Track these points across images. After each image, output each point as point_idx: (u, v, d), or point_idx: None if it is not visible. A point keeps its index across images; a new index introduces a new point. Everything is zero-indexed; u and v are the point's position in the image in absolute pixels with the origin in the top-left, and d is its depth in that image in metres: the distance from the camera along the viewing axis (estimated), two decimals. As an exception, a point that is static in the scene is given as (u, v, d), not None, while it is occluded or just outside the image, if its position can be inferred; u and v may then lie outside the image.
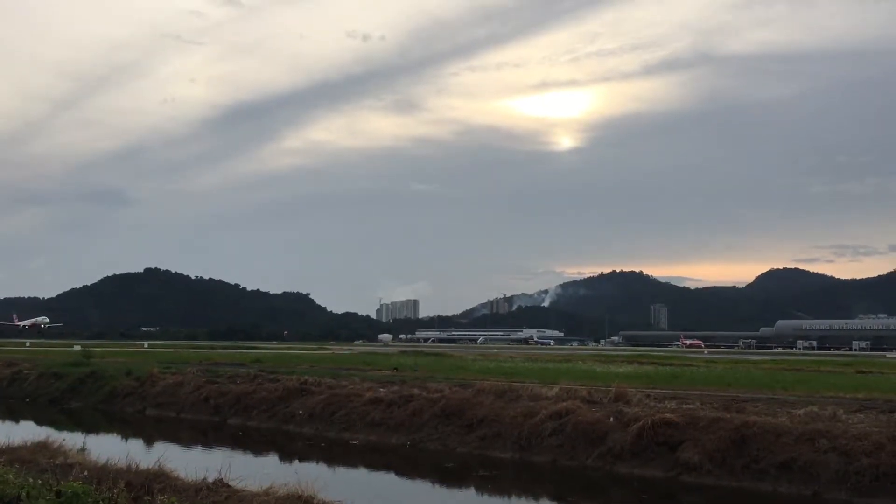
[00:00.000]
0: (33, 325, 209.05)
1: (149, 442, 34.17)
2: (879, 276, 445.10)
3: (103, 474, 16.64)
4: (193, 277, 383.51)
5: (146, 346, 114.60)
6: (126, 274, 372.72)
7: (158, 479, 17.29)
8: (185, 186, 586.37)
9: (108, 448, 23.85)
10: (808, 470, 21.91)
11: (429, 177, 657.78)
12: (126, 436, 36.63)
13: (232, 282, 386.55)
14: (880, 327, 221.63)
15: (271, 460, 30.20)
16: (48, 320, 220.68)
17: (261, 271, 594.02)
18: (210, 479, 17.30)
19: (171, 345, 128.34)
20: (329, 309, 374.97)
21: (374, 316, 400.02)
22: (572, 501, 22.75)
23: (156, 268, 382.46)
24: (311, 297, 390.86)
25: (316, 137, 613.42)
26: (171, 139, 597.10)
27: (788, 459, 22.37)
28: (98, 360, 60.98)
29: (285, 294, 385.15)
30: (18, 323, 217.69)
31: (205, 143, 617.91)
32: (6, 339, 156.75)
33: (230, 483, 17.17)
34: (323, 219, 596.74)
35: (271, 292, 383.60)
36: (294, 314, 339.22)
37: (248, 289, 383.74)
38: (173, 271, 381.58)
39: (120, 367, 53.83)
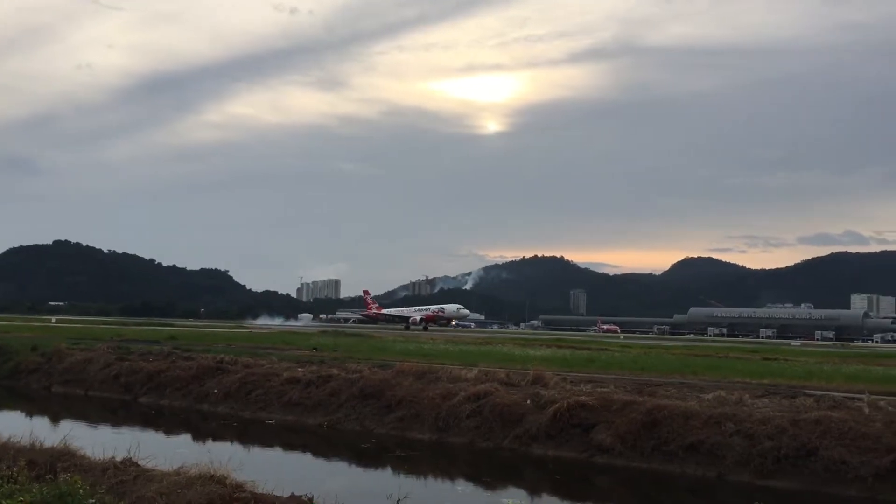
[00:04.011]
0: (434, 317, 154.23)
1: (54, 420, 33.05)
2: (787, 266, 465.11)
3: (3, 452, 16.05)
4: (106, 251, 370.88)
5: (54, 320, 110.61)
6: (33, 246, 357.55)
7: (63, 458, 16.73)
8: (98, 157, 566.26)
9: (10, 425, 22.87)
10: (715, 452, 22.67)
11: (353, 156, 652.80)
12: (30, 413, 35.31)
13: (147, 256, 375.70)
14: (786, 316, 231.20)
15: (184, 439, 29.61)
16: (467, 311, 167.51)
17: (178, 247, 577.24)
18: (118, 458, 16.83)
19: (81, 320, 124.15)
20: (248, 287, 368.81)
21: (294, 295, 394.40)
22: (487, 482, 22.98)
23: (65, 240, 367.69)
24: (229, 274, 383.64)
25: (238, 112, 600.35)
26: (86, 107, 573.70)
27: (696, 442, 23.10)
28: (1, 334, 58.51)
29: (203, 271, 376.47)
30: (400, 313, 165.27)
31: (121, 113, 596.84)
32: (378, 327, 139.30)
33: (140, 462, 16.74)
34: (243, 195, 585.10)
35: (188, 268, 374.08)
36: (212, 291, 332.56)
37: (164, 264, 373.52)
38: (84, 244, 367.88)
39: (25, 342, 51.80)
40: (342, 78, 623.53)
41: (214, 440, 28.60)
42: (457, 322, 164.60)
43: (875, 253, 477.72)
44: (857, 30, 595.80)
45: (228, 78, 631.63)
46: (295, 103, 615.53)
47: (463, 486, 22.94)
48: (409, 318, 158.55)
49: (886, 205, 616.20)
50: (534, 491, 22.27)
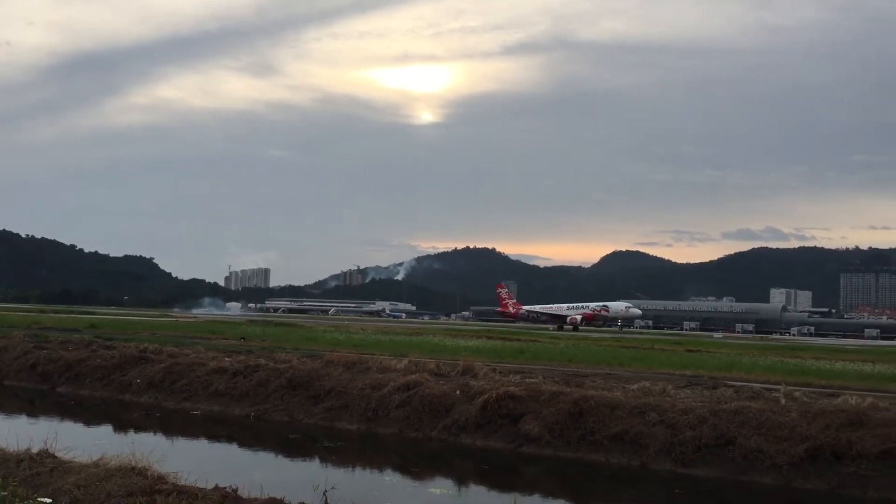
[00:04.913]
0: (594, 316, 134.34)
1: (-34, 411, 31.74)
2: (711, 261, 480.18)
3: None
4: (24, 236, 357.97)
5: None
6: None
7: (-26, 451, 16.09)
8: (18, 138, 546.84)
9: (-83, 417, 21.89)
10: (638, 441, 23.15)
11: (285, 143, 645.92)
12: (-60, 404, 33.84)
13: (67, 242, 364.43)
14: (709, 309, 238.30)
15: (104, 430, 28.76)
16: (637, 311, 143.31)
17: (101, 233, 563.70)
18: (34, 450, 16.30)
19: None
20: (174, 275, 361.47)
21: (222, 283, 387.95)
22: (416, 472, 23.01)
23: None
24: (154, 261, 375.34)
25: (165, 95, 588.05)
26: (4, 86, 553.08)
27: (621, 431, 23.54)
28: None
29: (127, 257, 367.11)
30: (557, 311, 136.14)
31: (42, 93, 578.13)
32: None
33: (57, 454, 16.23)
34: (170, 180, 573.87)
35: (111, 255, 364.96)
36: (136, 279, 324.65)
37: (86, 250, 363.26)
38: (1, 228, 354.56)
39: (-64, 329, 49.62)
40: (274, 64, 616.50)
41: (136, 431, 27.86)
42: (622, 322, 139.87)
43: (794, 249, 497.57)
44: (781, 33, 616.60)
45: (156, 60, 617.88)
46: (225, 88, 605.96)
47: (391, 477, 22.90)
48: (565, 317, 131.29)
49: (805, 202, 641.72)
50: (462, 481, 22.39)
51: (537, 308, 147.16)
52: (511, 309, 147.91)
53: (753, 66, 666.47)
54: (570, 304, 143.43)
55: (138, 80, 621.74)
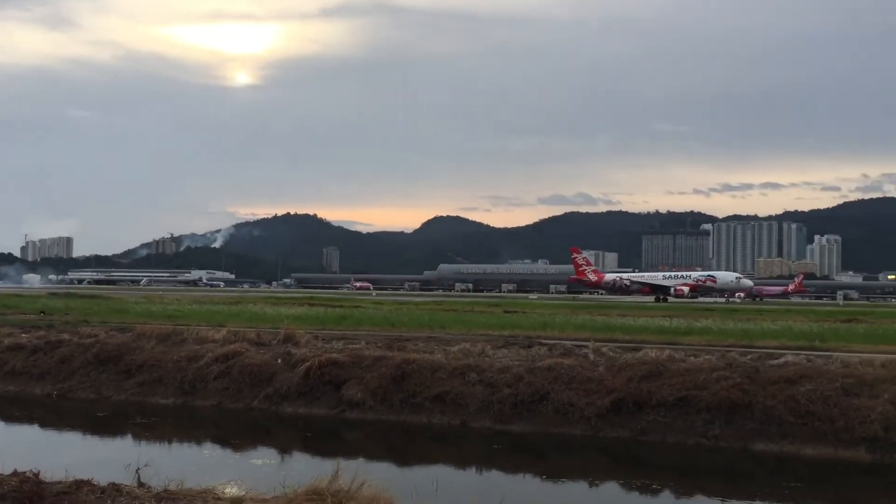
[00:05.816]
0: (697, 287, 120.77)
1: None
2: (527, 225, 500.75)
3: None
4: None
5: None
6: None
7: None
8: None
9: None
10: (459, 401, 23.83)
11: (87, 103, 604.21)
12: None
13: None
14: (525, 271, 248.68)
15: None
16: (749, 282, 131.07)
17: None
18: None
19: None
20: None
21: (18, 254, 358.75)
22: (236, 443, 22.44)
23: None
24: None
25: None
26: None
27: (442, 392, 24.13)
28: None
29: None
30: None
31: None
32: None
33: None
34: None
35: None
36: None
37: None
38: None
39: None
40: (70, 16, 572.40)
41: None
42: (728, 296, 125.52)
43: (602, 213, 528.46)
44: (593, 6, 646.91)
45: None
46: (14, 41, 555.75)
47: (210, 450, 22.23)
48: (668, 288, 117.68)
49: (612, 169, 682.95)
50: (284, 449, 22.10)
51: (626, 276, 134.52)
52: (591, 277, 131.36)
53: (569, 37, 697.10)
54: (666, 273, 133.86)
55: None
